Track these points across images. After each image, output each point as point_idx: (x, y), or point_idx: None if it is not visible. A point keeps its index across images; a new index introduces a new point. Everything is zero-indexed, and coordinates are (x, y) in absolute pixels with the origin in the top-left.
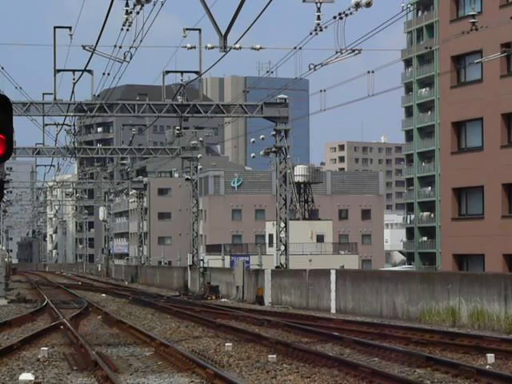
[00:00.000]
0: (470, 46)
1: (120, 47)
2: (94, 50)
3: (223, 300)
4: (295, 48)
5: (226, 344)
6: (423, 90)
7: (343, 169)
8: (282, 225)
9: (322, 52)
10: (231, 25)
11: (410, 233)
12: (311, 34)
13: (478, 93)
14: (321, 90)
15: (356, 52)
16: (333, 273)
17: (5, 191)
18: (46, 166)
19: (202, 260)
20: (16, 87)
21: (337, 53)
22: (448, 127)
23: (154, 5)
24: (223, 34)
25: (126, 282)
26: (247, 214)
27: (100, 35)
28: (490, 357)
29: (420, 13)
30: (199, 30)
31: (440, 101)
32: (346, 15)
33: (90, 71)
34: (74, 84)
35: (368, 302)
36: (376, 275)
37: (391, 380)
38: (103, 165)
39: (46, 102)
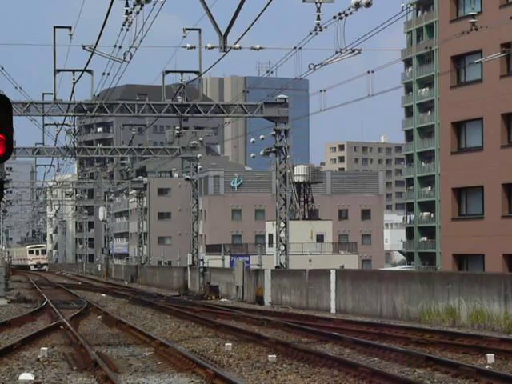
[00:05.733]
0: (469, 46)
1: (120, 47)
2: (93, 50)
3: (223, 300)
4: (295, 48)
5: (226, 344)
6: (423, 90)
7: (343, 169)
8: (282, 225)
9: (322, 52)
10: (231, 25)
11: (409, 233)
12: (311, 33)
13: (477, 93)
14: (321, 90)
15: (356, 52)
16: (333, 273)
17: (5, 191)
18: (45, 166)
19: (202, 260)
20: (16, 87)
21: (337, 53)
22: (448, 127)
23: (154, 5)
24: (223, 34)
25: (126, 282)
26: (247, 214)
27: (100, 35)
28: (490, 357)
29: (420, 13)
30: (199, 30)
31: (440, 101)
32: (346, 15)
33: (89, 71)
34: (74, 84)
35: (368, 302)
36: (376, 275)
37: (391, 380)
38: (103, 165)
39: (45, 102)
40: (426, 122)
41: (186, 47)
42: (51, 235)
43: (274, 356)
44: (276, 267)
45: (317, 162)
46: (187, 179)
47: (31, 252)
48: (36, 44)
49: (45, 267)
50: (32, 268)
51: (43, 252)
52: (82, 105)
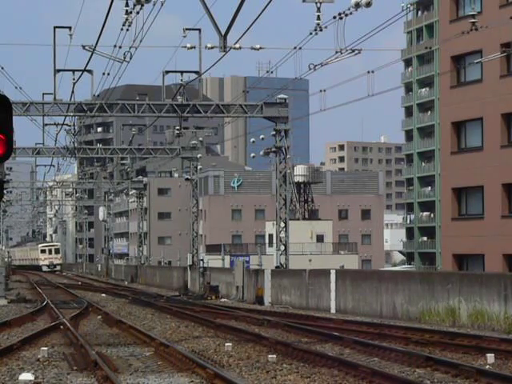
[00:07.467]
0: (469, 46)
1: (120, 47)
2: (93, 50)
3: (223, 300)
4: (295, 48)
5: (226, 344)
6: (423, 90)
7: (343, 169)
8: (282, 225)
9: (322, 52)
10: (231, 25)
11: (409, 233)
12: (311, 34)
13: (477, 93)
14: (321, 90)
15: (356, 52)
16: (333, 273)
17: (5, 191)
18: (45, 166)
19: (202, 260)
20: (16, 87)
21: (337, 53)
22: (448, 127)
23: (154, 5)
24: (223, 33)
25: (126, 282)
26: (247, 214)
27: (100, 35)
28: (490, 357)
29: (420, 13)
30: (199, 29)
31: (440, 101)
32: (346, 15)
33: (89, 71)
34: (74, 84)
35: (368, 302)
36: (376, 275)
37: (391, 380)
38: (103, 165)
39: (45, 102)
40: (425, 122)
41: (186, 47)
42: (51, 235)
43: (274, 356)
44: (276, 267)
45: (317, 162)
46: (187, 179)
47: (43, 251)
48: (36, 44)
49: (58, 267)
50: (45, 269)
51: (57, 251)
52: (82, 105)
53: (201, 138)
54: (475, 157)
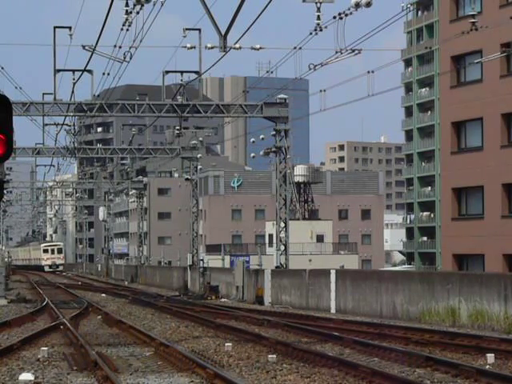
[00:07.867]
0: (469, 46)
1: (120, 47)
2: (94, 50)
3: (223, 300)
4: (295, 48)
5: (226, 344)
6: (423, 90)
7: (343, 169)
8: (282, 225)
9: (322, 52)
10: (231, 25)
11: (409, 233)
12: (311, 33)
13: (477, 93)
14: (321, 90)
15: (356, 52)
16: (333, 273)
17: (5, 191)
18: (45, 166)
19: (202, 260)
20: (16, 87)
21: (337, 53)
22: (448, 127)
23: (154, 5)
24: (223, 33)
25: (126, 282)
26: (247, 214)
27: (100, 35)
28: (490, 357)
29: (420, 13)
30: (199, 29)
31: (440, 101)
32: (346, 15)
33: (89, 71)
34: (74, 84)
35: (368, 302)
36: (376, 275)
37: (391, 380)
38: (103, 165)
39: (45, 102)
40: (425, 122)
41: (186, 47)
42: (51, 235)
43: (274, 356)
44: (276, 267)
45: (317, 162)
46: (187, 179)
47: (46, 251)
48: (36, 44)
49: (60, 267)
50: (47, 269)
51: (59, 251)
52: (82, 105)
53: (201, 138)
54: (475, 157)
